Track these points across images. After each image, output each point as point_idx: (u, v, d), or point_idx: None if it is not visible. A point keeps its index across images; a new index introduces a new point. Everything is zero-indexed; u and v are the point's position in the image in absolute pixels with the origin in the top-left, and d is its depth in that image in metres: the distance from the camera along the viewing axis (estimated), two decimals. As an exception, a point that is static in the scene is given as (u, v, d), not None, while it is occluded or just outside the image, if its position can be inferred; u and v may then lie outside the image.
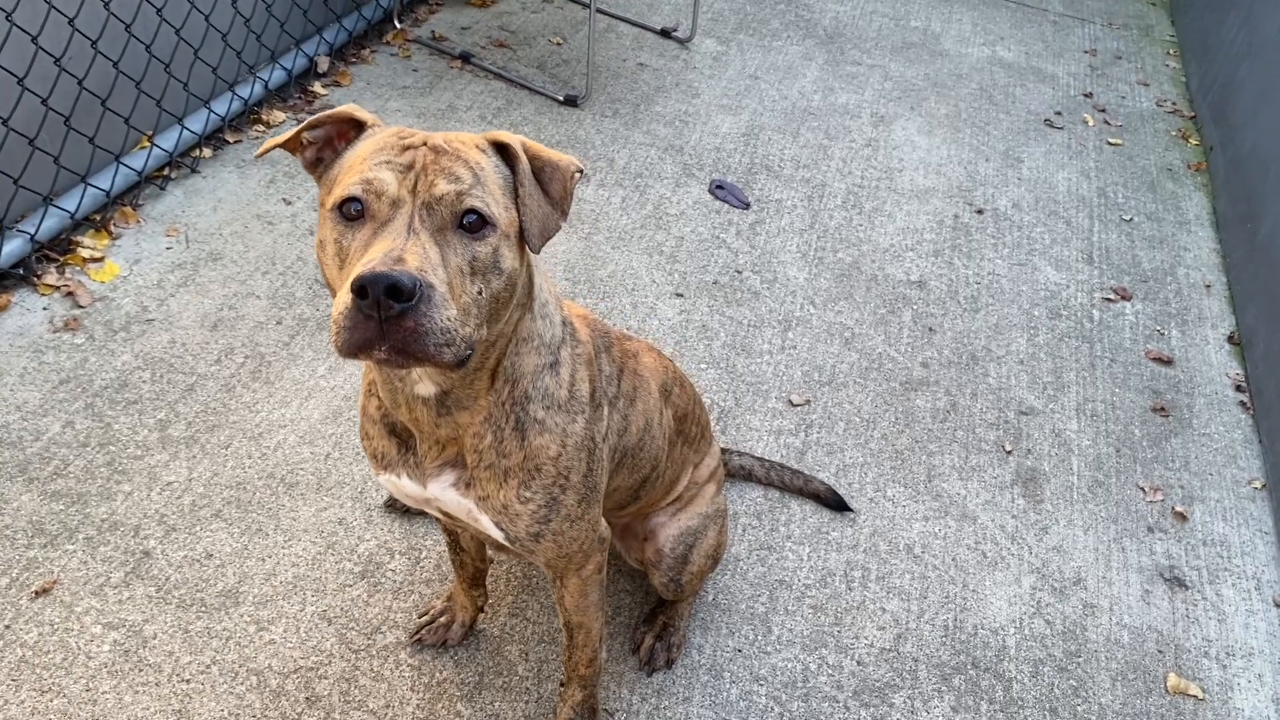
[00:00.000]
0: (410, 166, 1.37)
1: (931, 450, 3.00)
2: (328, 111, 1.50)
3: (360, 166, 1.39)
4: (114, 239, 3.23)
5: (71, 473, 2.55)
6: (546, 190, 1.49)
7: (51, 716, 2.08)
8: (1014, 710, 2.39)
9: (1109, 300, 3.71)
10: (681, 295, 3.41)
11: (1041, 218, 4.09)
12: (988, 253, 3.85)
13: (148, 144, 3.43)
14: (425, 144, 1.41)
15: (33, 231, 3.02)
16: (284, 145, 1.50)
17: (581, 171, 1.53)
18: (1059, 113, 4.83)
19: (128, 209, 3.32)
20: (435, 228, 1.35)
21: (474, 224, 1.37)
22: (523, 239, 1.46)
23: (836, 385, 3.17)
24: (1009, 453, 3.03)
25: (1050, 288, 3.72)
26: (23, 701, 2.10)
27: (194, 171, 3.56)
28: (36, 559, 2.36)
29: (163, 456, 2.63)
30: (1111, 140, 4.67)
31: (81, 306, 2.98)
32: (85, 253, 3.13)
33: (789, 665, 2.40)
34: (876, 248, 3.78)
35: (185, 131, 3.54)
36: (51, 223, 3.09)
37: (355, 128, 1.51)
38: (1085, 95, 5.02)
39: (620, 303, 3.33)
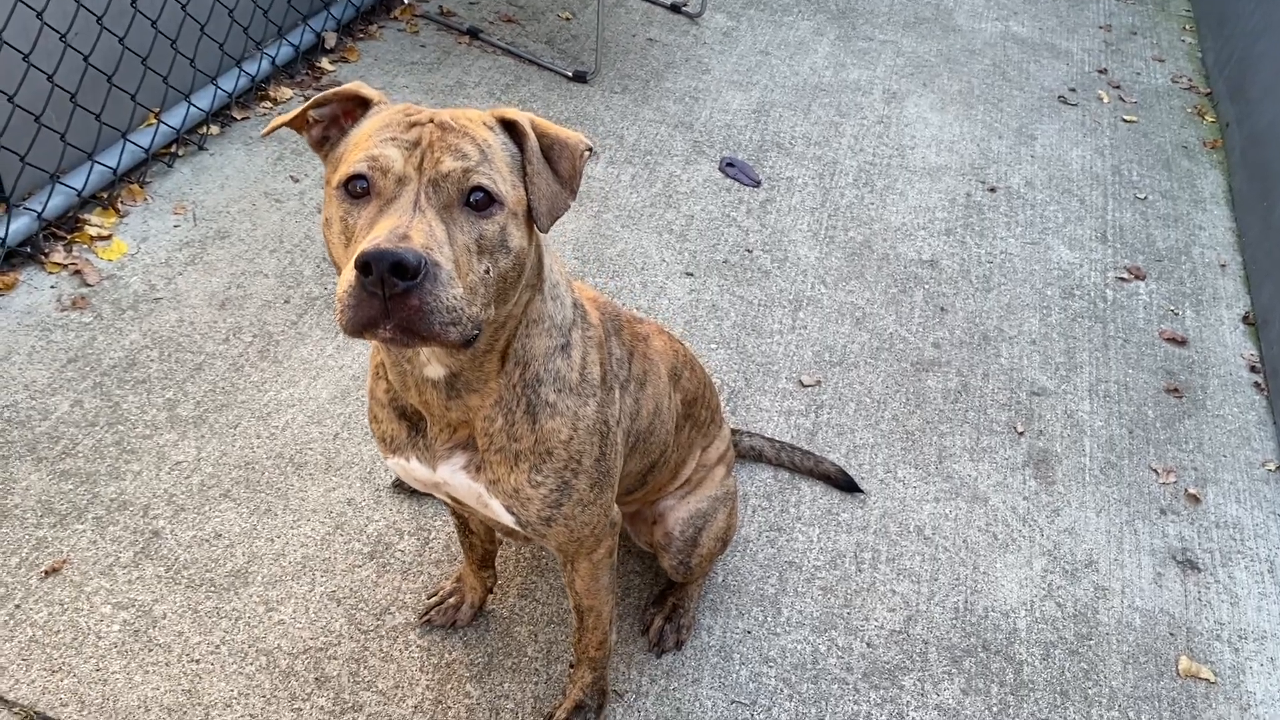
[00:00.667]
0: (416, 143, 1.35)
1: (943, 431, 2.98)
2: (333, 89, 1.49)
3: (366, 144, 1.37)
4: (121, 217, 3.22)
5: (80, 452, 2.55)
6: (555, 169, 1.47)
7: (62, 695, 2.09)
8: (1024, 693, 2.38)
9: (1123, 280, 3.67)
10: (691, 274, 3.38)
11: (1055, 196, 4.05)
12: (1000, 231, 3.81)
13: (154, 121, 3.41)
14: (432, 121, 1.39)
15: (40, 209, 3.01)
16: (290, 124, 1.49)
17: (591, 150, 1.51)
18: (1073, 89, 4.77)
19: (135, 187, 3.30)
20: (441, 205, 1.33)
21: (481, 202, 1.35)
22: (531, 218, 1.44)
23: (847, 365, 3.14)
24: (1021, 434, 3.01)
25: (1063, 267, 3.69)
26: (33, 681, 2.10)
27: (201, 149, 3.54)
28: (46, 538, 2.36)
29: (171, 436, 2.62)
30: (1126, 117, 4.62)
31: (89, 285, 2.97)
32: (92, 230, 3.12)
33: (798, 647, 2.40)
34: (888, 226, 3.75)
35: (192, 108, 3.52)
36: (58, 200, 3.07)
37: (361, 105, 1.50)
38: (1100, 71, 4.96)
39: (630, 282, 3.31)
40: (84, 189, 3.13)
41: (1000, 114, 4.51)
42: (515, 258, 1.41)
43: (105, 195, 3.24)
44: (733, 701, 2.27)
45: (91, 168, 3.17)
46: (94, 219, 3.16)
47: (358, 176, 1.35)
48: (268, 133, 1.53)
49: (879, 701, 2.31)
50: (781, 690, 2.30)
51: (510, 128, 1.46)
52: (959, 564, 2.64)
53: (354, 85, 1.49)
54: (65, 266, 3.00)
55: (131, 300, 2.96)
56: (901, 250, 3.64)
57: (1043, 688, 2.40)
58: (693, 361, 2.16)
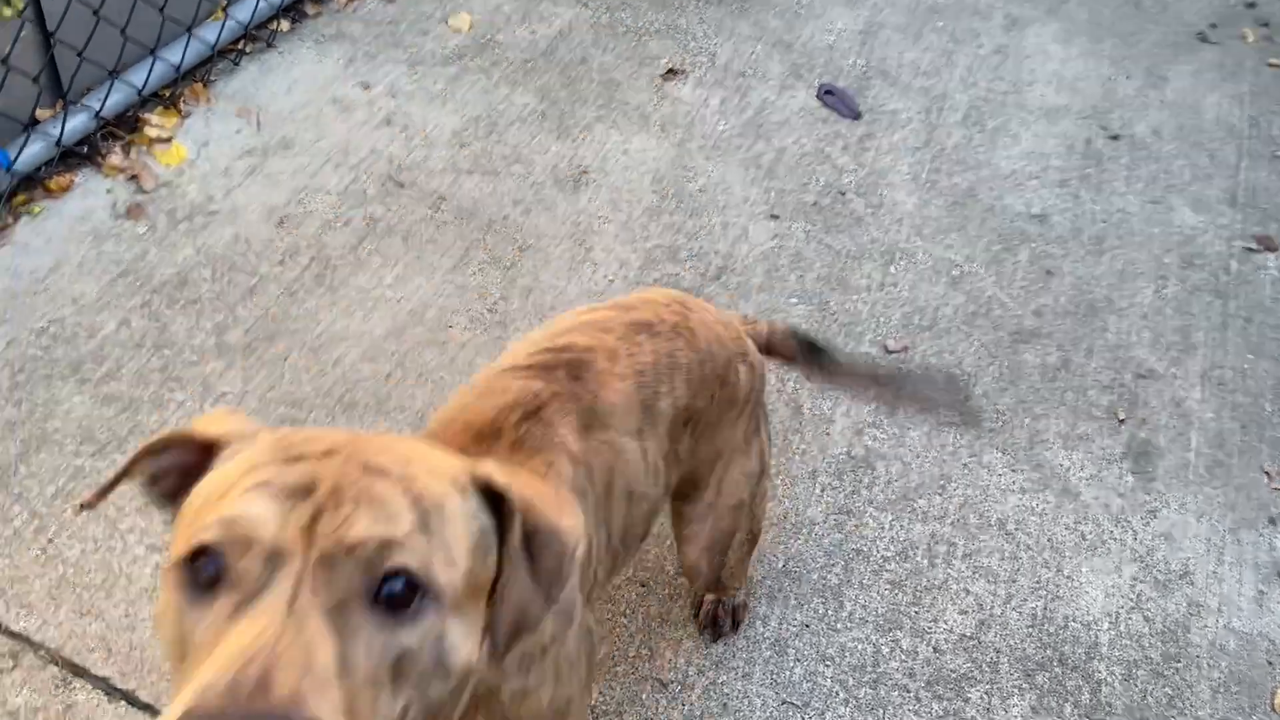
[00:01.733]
0: (308, 490, 0.89)
1: (1036, 413, 2.75)
2: (162, 435, 1.03)
3: (220, 501, 0.91)
4: (183, 118, 3.07)
5: (124, 376, 2.45)
6: (534, 563, 1.02)
7: (89, 641, 2.02)
8: (1100, 716, 2.20)
9: (1250, 250, 3.35)
10: (777, 216, 3.15)
11: (1183, 148, 3.69)
12: (1119, 186, 3.49)
13: (222, 15, 3.23)
14: (336, 453, 0.93)
15: (98, 107, 2.87)
16: (118, 485, 1.05)
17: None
18: (1214, 25, 4.34)
19: (198, 85, 3.15)
20: (335, 600, 0.86)
21: (398, 598, 0.88)
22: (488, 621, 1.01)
23: (938, 331, 2.91)
24: (1122, 421, 2.77)
25: (1186, 231, 3.37)
26: (61, 623, 2.04)
27: (270, 46, 3.36)
28: (84, 468, 2.28)
29: (218, 365, 2.51)
30: (1272, 61, 4.18)
31: (145, 192, 2.85)
32: (152, 132, 2.98)
33: (859, 646, 2.24)
34: (996, 173, 3.45)
35: (262, 2, 3.33)
36: (118, 98, 2.94)
37: (206, 452, 1.02)
38: (1247, 5, 4.50)
39: (709, 222, 3.09)
40: (145, 87, 2.99)
41: (1131, 50, 4.12)
42: (456, 679, 0.94)
43: (167, 94, 3.09)
44: (783, 701, 2.14)
45: (153, 64, 3.02)
46: (154, 119, 3.02)
47: (203, 552, 0.87)
48: (88, 506, 1.10)
49: (941, 714, 2.16)
50: (837, 693, 2.16)
51: (489, 493, 1.01)
52: (1041, 565, 2.44)
53: (203, 422, 1.03)
54: (122, 170, 2.88)
55: (187, 211, 2.83)
56: (1009, 202, 3.35)
57: (1121, 712, 2.22)
58: (677, 352, 1.68)
